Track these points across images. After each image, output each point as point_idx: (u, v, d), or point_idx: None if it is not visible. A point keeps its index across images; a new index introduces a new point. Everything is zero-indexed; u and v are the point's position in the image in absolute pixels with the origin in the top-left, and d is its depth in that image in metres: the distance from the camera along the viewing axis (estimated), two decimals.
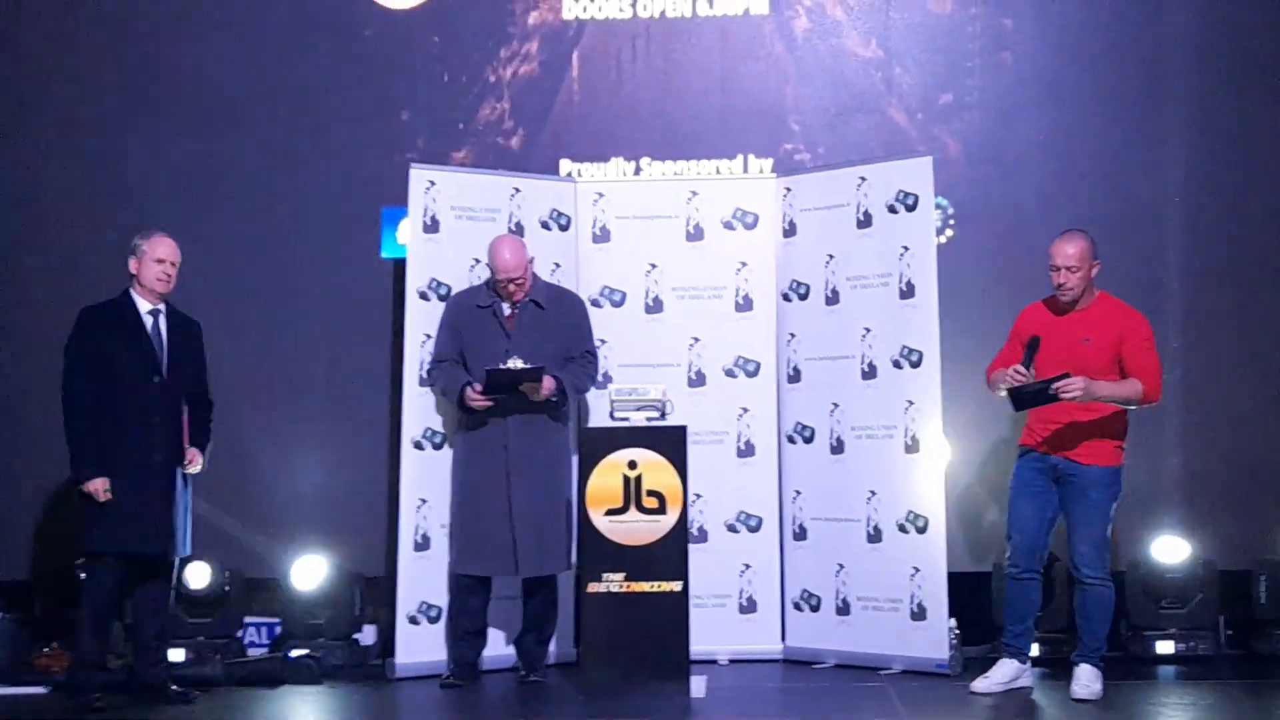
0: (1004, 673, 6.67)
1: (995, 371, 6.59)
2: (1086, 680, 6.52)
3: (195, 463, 6.68)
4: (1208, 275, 7.86)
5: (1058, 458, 6.52)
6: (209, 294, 7.71)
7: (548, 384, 6.82)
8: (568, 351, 7.03)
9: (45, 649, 7.57)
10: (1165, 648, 7.42)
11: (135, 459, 6.54)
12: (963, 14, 8.08)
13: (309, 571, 7.63)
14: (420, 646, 7.18)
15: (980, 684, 6.67)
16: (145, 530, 6.54)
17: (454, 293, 7.26)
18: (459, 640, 7.05)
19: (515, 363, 6.78)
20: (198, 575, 7.54)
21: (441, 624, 7.21)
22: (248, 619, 7.83)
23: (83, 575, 6.82)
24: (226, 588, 7.63)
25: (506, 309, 7.00)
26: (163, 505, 6.58)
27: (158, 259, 6.65)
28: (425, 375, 7.21)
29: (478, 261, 7.32)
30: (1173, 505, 7.69)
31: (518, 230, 7.44)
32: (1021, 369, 6.42)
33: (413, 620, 7.20)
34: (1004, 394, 6.46)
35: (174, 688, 6.72)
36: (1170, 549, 7.57)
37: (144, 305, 6.68)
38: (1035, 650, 7.01)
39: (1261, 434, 7.75)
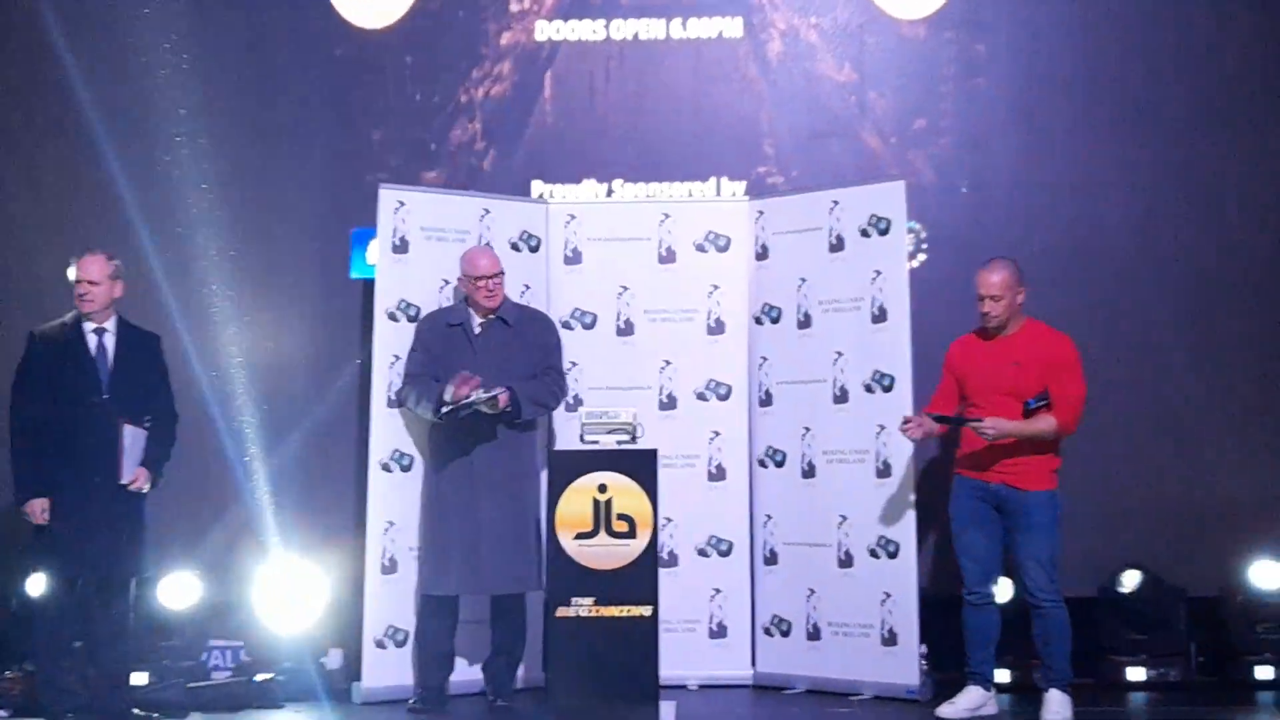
0: (970, 699, 6.67)
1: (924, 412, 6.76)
2: (1057, 706, 6.52)
3: (140, 481, 6.57)
4: (1180, 297, 7.86)
5: (998, 484, 6.57)
6: (176, 313, 7.66)
7: (502, 395, 6.76)
8: (533, 369, 6.98)
9: (6, 672, 7.46)
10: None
11: (77, 480, 6.47)
12: (936, 39, 8.08)
13: (273, 593, 7.55)
14: (386, 671, 7.11)
15: (946, 709, 6.67)
16: (86, 552, 6.46)
17: (424, 313, 7.22)
18: (426, 664, 6.98)
19: (477, 394, 6.70)
20: (180, 591, 7.46)
21: (409, 648, 7.14)
22: (212, 642, 7.72)
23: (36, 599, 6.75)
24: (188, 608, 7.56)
25: (477, 326, 6.96)
26: (106, 526, 6.49)
27: (75, 279, 6.62)
28: (395, 395, 7.16)
29: (447, 282, 7.28)
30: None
31: None
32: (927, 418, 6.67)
33: (379, 644, 7.13)
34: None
35: (136, 711, 6.64)
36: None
37: (89, 324, 6.62)
38: (1006, 677, 7.00)
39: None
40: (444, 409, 6.73)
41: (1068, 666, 6.57)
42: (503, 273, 7.00)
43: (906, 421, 6.69)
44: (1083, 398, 6.58)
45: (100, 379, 6.57)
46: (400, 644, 7.14)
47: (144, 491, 6.60)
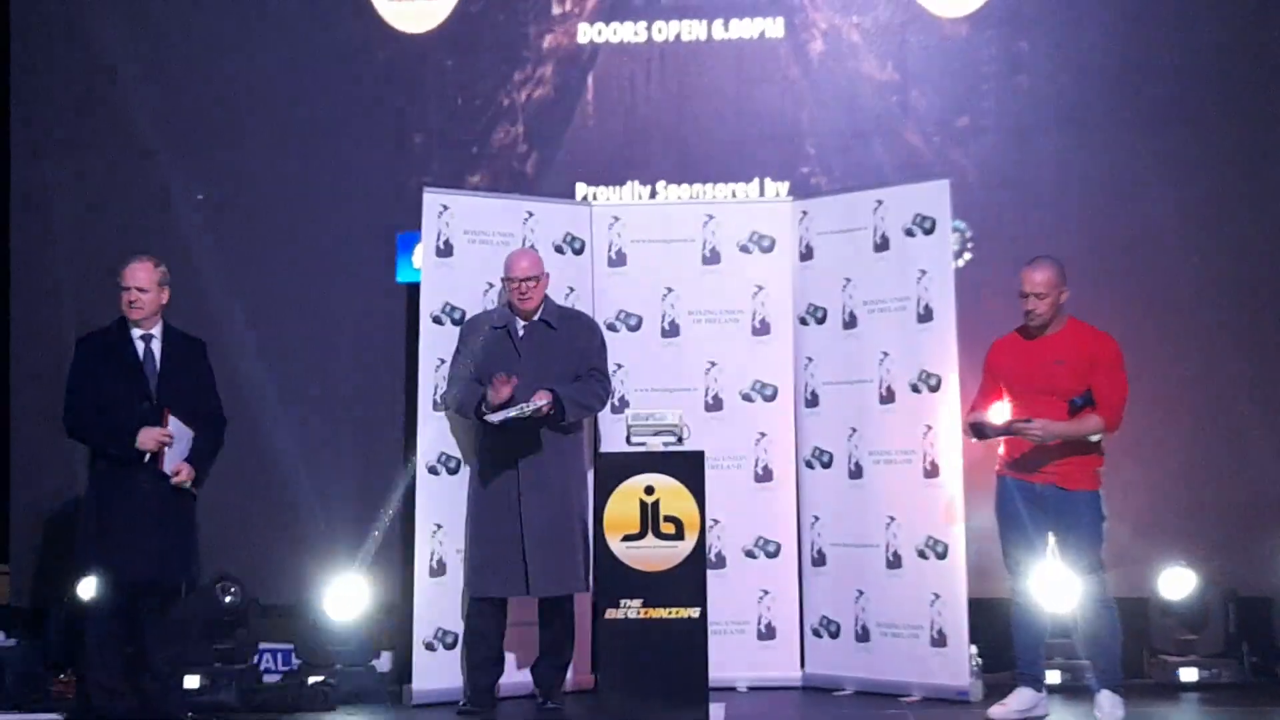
0: (1021, 700, 6.64)
1: (970, 416, 6.72)
2: (1108, 707, 6.49)
3: (184, 474, 6.53)
4: (1226, 293, 7.82)
5: (1044, 485, 6.55)
6: (223, 319, 7.71)
7: (541, 396, 6.78)
8: (577, 371, 6.99)
9: (60, 675, 7.52)
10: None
11: (126, 485, 6.50)
12: (978, 37, 8.06)
13: (334, 598, 7.58)
14: (437, 673, 7.12)
15: (997, 710, 6.64)
16: (136, 555, 6.48)
17: (469, 316, 7.24)
18: (475, 667, 7.00)
19: (520, 408, 6.70)
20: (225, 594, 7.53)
21: (458, 650, 7.15)
22: (263, 645, 7.77)
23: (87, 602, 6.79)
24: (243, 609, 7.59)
25: (520, 329, 6.98)
26: (156, 529, 6.51)
27: (123, 287, 6.62)
28: (440, 399, 7.18)
29: (491, 285, 7.30)
30: None
31: None
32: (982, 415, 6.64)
33: (429, 646, 7.15)
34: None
35: (190, 715, 6.67)
36: None
37: (137, 330, 6.64)
38: (1057, 678, 6.99)
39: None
40: (487, 415, 6.75)
41: (1118, 667, 6.55)
42: (541, 276, 6.97)
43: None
44: (1126, 396, 6.56)
45: (149, 385, 6.60)
46: (450, 646, 7.16)
47: (186, 486, 6.57)
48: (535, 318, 7.00)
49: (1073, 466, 6.52)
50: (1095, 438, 6.53)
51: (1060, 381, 6.53)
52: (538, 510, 6.85)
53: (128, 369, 6.60)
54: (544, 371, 6.87)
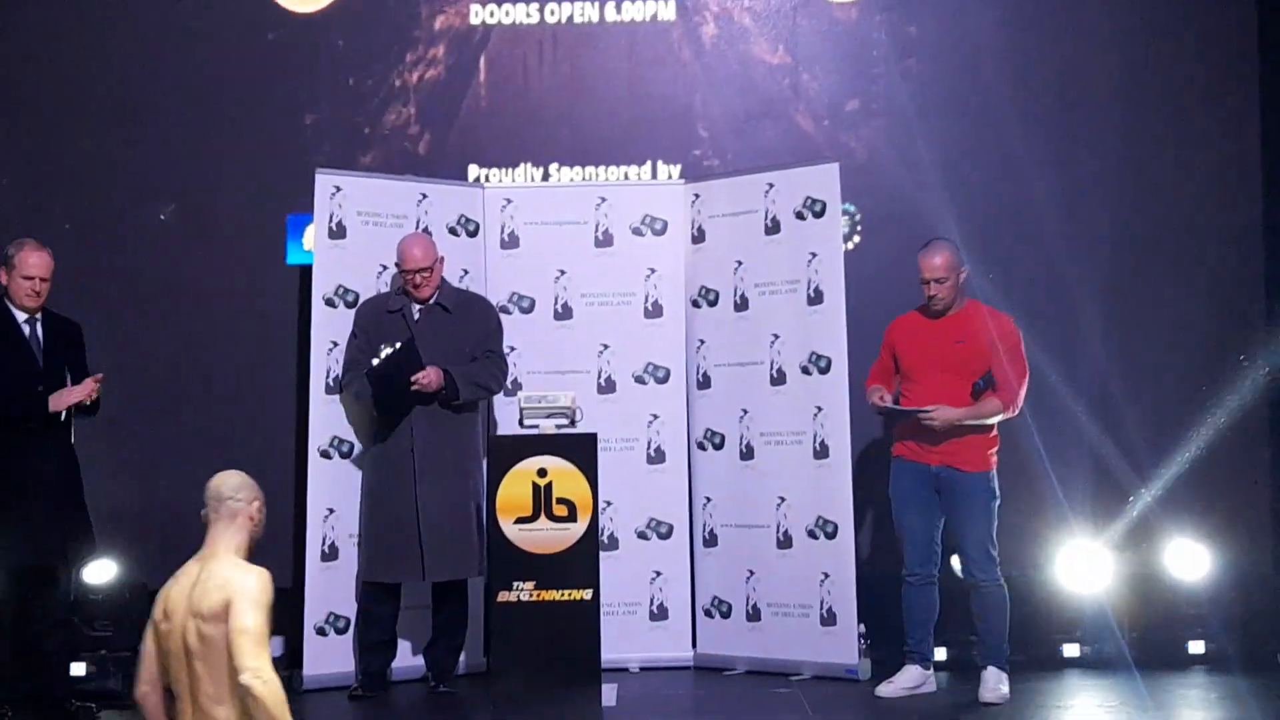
0: (908, 678, 6.75)
1: (870, 386, 6.79)
2: (993, 683, 6.61)
3: (89, 386, 6.48)
4: (1108, 276, 7.94)
5: (938, 466, 6.65)
6: (108, 300, 7.62)
7: (433, 373, 6.76)
8: (473, 354, 6.98)
9: None
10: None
11: (22, 470, 6.41)
12: (868, 21, 8.12)
13: None
14: (328, 658, 7.10)
15: (885, 689, 6.75)
16: (37, 544, 6.41)
17: (363, 299, 7.19)
18: (367, 651, 6.98)
19: (384, 350, 6.72)
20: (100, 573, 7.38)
21: (350, 635, 7.13)
22: None
23: None
24: (127, 595, 7.48)
25: (416, 313, 6.95)
26: (53, 516, 6.44)
27: (25, 275, 6.50)
28: (334, 382, 7.13)
29: (385, 268, 7.27)
30: None
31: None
32: (886, 395, 6.70)
33: (320, 631, 7.13)
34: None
35: (76, 702, 6.60)
36: None
37: (19, 314, 6.54)
38: (943, 654, 7.10)
39: None
40: (370, 374, 6.74)
41: (1005, 644, 6.66)
42: (435, 264, 6.95)
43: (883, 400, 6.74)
44: (1025, 378, 6.66)
45: (39, 369, 6.51)
46: (341, 631, 7.14)
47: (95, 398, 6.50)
48: (431, 301, 6.98)
49: (966, 447, 6.62)
50: (993, 419, 6.62)
51: (959, 361, 6.61)
52: (433, 495, 6.84)
53: (17, 353, 6.50)
54: (441, 355, 6.85)
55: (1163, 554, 7.57)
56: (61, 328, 6.67)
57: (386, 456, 6.91)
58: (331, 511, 7.15)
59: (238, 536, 4.66)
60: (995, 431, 6.69)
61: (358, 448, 7.17)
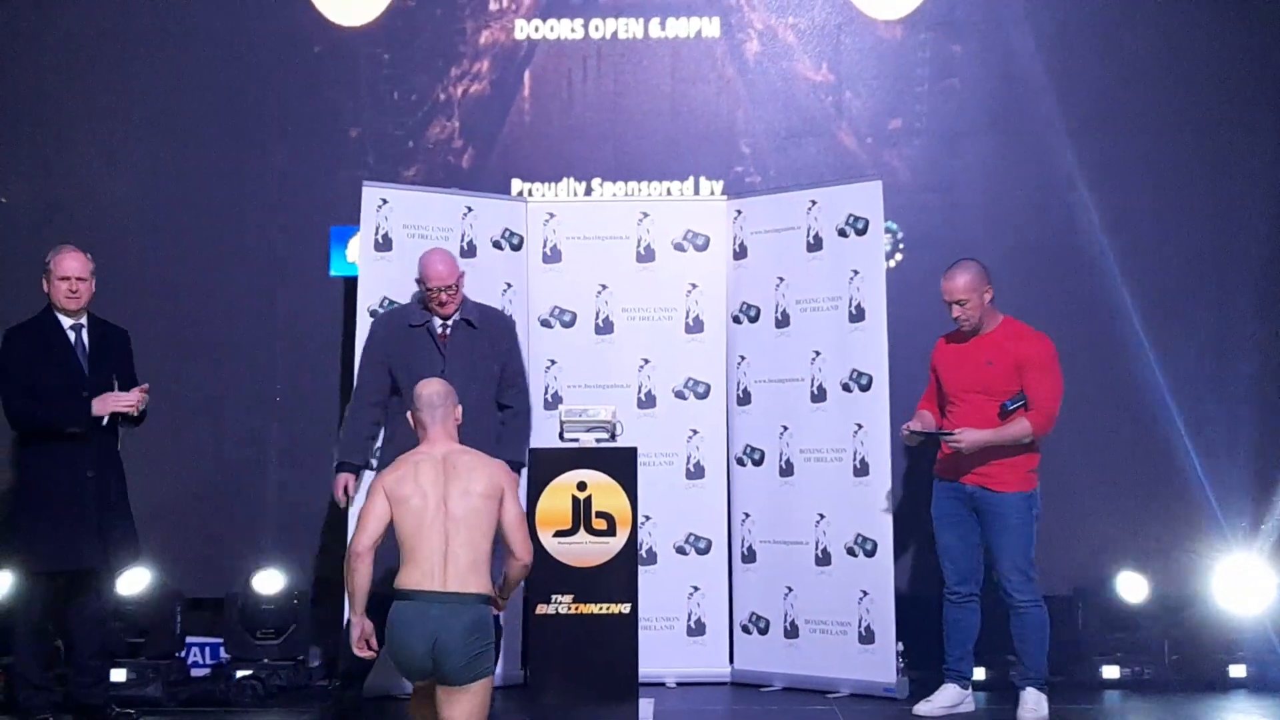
0: (947, 697, 6.73)
1: (919, 410, 6.84)
2: (1032, 704, 6.59)
3: (134, 396, 6.54)
4: (1155, 300, 7.93)
5: (973, 487, 6.64)
6: (156, 312, 7.66)
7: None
8: (502, 371, 6.86)
9: None
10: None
11: (67, 476, 6.45)
12: (912, 40, 8.13)
13: (263, 588, 7.56)
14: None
15: (922, 707, 6.73)
16: (72, 547, 6.45)
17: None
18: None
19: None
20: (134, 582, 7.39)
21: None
22: (190, 639, 7.73)
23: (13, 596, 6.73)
24: (178, 608, 7.54)
25: (439, 327, 6.82)
26: (95, 521, 6.48)
27: (61, 276, 6.57)
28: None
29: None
30: None
31: (469, 250, 7.43)
32: (916, 422, 6.75)
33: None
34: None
35: (116, 708, 6.63)
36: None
37: (66, 320, 6.60)
38: (981, 674, 7.08)
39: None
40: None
41: (1044, 665, 6.64)
42: (460, 276, 6.80)
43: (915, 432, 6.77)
44: (1057, 398, 6.62)
45: (84, 375, 6.56)
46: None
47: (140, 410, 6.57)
48: (456, 316, 6.84)
49: (1001, 468, 6.59)
50: (1024, 440, 6.61)
51: (991, 383, 6.60)
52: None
53: (62, 359, 6.55)
54: (470, 372, 6.71)
55: None
56: (108, 334, 6.72)
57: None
58: None
59: (453, 430, 5.64)
60: (1036, 450, 6.67)
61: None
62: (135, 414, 6.57)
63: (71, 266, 6.58)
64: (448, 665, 5.32)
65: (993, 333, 6.69)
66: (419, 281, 6.83)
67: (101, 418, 6.48)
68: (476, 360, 6.82)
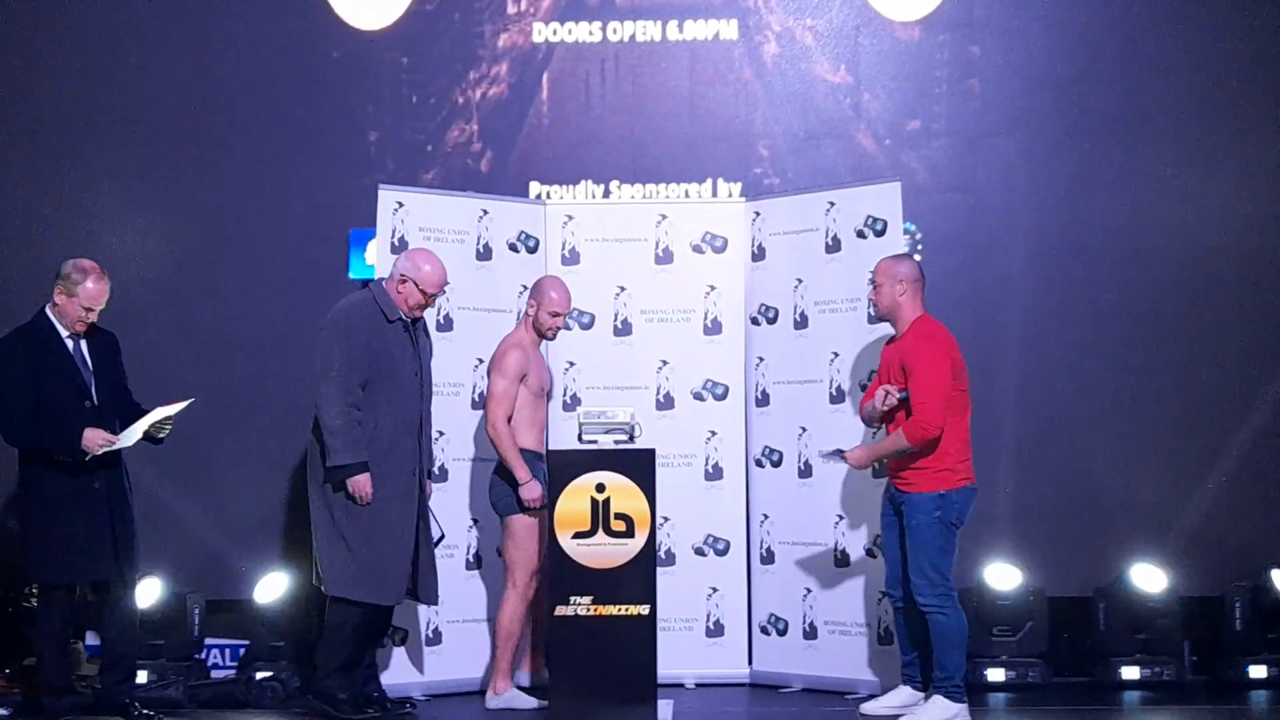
0: (897, 698, 6.72)
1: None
2: (936, 711, 6.46)
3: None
4: (1170, 301, 7.92)
5: (894, 488, 6.63)
6: (174, 315, 7.69)
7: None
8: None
9: (6, 670, 7.47)
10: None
11: (76, 486, 6.46)
12: (931, 41, 8.13)
13: (274, 589, 7.58)
14: (401, 669, 7.17)
15: (869, 706, 6.76)
16: (91, 558, 6.47)
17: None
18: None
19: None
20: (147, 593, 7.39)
21: (404, 647, 7.17)
22: (209, 640, 7.75)
23: (36, 604, 6.77)
24: (197, 609, 7.56)
25: (407, 322, 6.75)
26: (107, 530, 6.50)
27: (85, 305, 6.49)
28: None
29: (447, 283, 7.27)
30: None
31: (485, 252, 7.45)
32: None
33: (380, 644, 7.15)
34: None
35: (139, 709, 6.66)
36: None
37: (63, 330, 6.54)
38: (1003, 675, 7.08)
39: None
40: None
41: (955, 671, 6.48)
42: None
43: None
44: (933, 400, 6.38)
45: (89, 385, 6.56)
46: (401, 642, 7.17)
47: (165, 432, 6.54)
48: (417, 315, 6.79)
49: (911, 469, 6.52)
50: (906, 448, 6.46)
51: (898, 383, 6.54)
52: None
53: (65, 370, 6.52)
54: (427, 369, 6.80)
55: None
56: (101, 340, 6.66)
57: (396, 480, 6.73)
58: None
59: None
60: (951, 449, 6.47)
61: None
62: (159, 436, 6.56)
63: (97, 297, 6.50)
64: None
65: (904, 333, 6.63)
66: (416, 283, 6.69)
67: (87, 452, 6.42)
68: (425, 359, 6.84)
